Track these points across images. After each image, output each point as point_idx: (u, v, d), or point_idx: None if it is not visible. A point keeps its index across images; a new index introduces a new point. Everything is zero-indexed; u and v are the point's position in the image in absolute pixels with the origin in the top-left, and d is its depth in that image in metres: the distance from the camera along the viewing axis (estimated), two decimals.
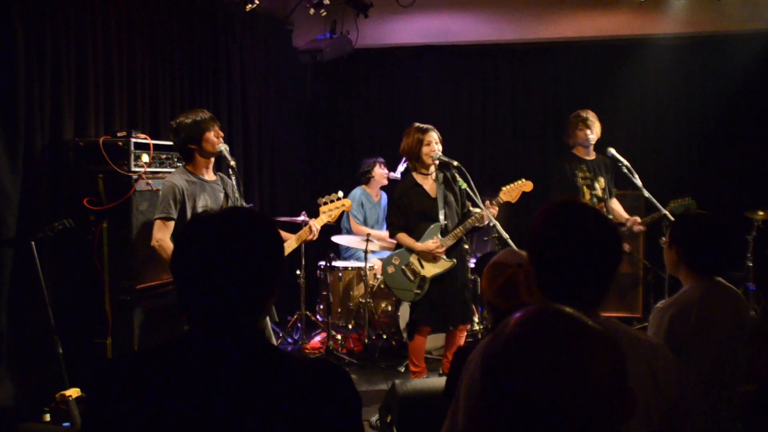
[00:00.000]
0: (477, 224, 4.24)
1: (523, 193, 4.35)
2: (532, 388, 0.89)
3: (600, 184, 4.91)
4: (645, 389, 1.47)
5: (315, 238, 4.08)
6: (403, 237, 4.29)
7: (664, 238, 2.63)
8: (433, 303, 4.25)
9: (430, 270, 4.25)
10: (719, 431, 2.26)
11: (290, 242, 3.98)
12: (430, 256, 4.25)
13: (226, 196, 3.79)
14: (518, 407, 0.90)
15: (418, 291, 4.24)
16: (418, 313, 4.29)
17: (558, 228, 1.51)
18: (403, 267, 4.29)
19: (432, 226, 4.27)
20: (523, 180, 4.33)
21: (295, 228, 4.65)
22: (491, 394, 0.94)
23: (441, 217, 4.28)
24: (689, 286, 2.45)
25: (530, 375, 0.90)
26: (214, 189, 3.74)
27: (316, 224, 4.06)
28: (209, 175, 3.76)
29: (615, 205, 5.02)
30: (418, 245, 4.25)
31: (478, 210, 4.23)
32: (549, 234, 1.52)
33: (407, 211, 4.28)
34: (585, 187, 4.88)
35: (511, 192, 4.29)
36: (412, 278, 4.26)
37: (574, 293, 1.50)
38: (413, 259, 4.28)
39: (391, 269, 4.34)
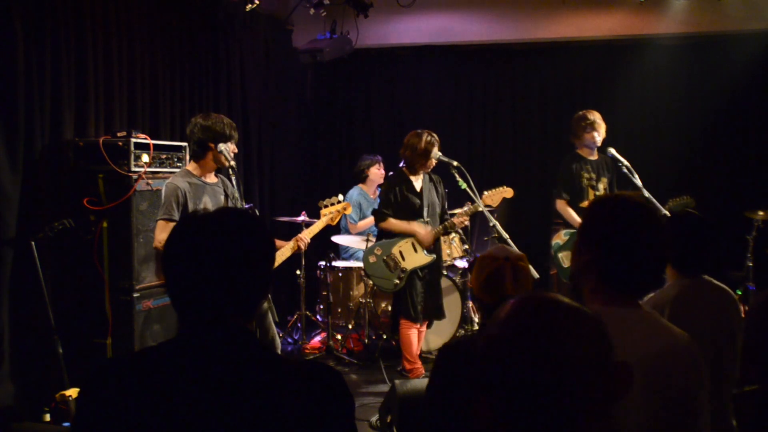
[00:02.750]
0: (450, 230, 4.46)
1: (519, 185, 4.48)
2: (523, 368, 0.93)
3: (603, 184, 4.94)
4: (689, 382, 1.53)
5: (303, 250, 4.08)
6: (395, 221, 4.43)
7: None
8: (412, 297, 4.42)
9: (411, 263, 4.42)
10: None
11: (284, 250, 3.95)
12: (413, 249, 4.39)
13: (227, 197, 3.80)
14: (514, 388, 0.93)
15: (398, 281, 4.40)
16: (397, 308, 4.49)
17: (621, 220, 1.58)
18: (385, 258, 4.43)
19: (416, 222, 4.42)
20: (505, 186, 4.47)
21: (294, 228, 4.66)
22: (487, 377, 0.97)
23: (425, 213, 4.44)
24: (669, 283, 2.44)
25: (520, 355, 0.93)
26: (215, 191, 3.75)
27: (306, 237, 4.02)
28: (210, 178, 3.78)
29: None
30: (416, 225, 4.39)
31: (477, 208, 4.30)
32: (613, 226, 1.58)
33: (396, 203, 4.43)
34: (589, 188, 4.90)
35: (492, 197, 4.44)
36: (392, 269, 4.41)
37: (639, 284, 1.59)
38: (395, 250, 4.43)
39: (372, 258, 4.48)
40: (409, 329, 4.48)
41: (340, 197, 4.34)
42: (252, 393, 1.19)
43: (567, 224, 4.83)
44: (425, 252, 4.43)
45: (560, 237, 4.92)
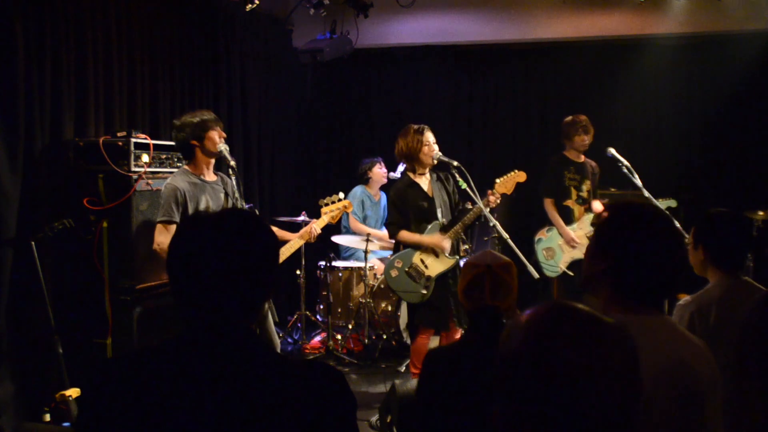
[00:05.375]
0: (474, 220, 4.21)
1: (519, 185, 4.33)
2: (555, 381, 0.90)
3: (586, 186, 5.15)
4: (710, 390, 1.51)
5: (313, 240, 4.08)
6: (406, 234, 4.24)
7: (687, 238, 2.60)
8: (434, 303, 4.22)
9: (434, 269, 4.22)
10: None
11: (293, 243, 3.98)
12: (434, 254, 4.23)
13: (227, 195, 3.80)
14: (541, 401, 0.90)
15: (425, 291, 4.18)
16: (419, 316, 4.25)
17: (638, 228, 1.55)
18: (407, 269, 4.22)
19: (431, 225, 4.25)
20: (516, 171, 4.29)
21: (295, 228, 4.65)
22: (509, 392, 0.94)
23: (439, 215, 4.27)
24: (712, 283, 2.44)
25: (553, 368, 0.90)
26: (215, 189, 3.75)
27: (317, 227, 4.06)
28: (210, 176, 3.77)
29: (597, 207, 5.24)
30: (426, 238, 4.20)
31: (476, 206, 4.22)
32: (634, 235, 1.55)
33: (406, 211, 4.27)
34: (572, 188, 5.14)
35: (506, 183, 4.26)
36: (417, 279, 4.21)
37: (655, 292, 1.56)
38: (416, 259, 4.23)
39: (394, 272, 4.26)
40: (428, 338, 4.32)
41: (341, 195, 4.29)
42: (254, 393, 1.19)
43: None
44: (447, 255, 4.23)
45: (543, 233, 5.19)
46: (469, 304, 2.28)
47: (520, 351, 0.94)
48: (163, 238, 3.55)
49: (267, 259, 1.32)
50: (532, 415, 0.91)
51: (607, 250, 1.59)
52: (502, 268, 2.27)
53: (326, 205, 4.20)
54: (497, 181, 4.28)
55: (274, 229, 4.07)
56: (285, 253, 3.96)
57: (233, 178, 3.75)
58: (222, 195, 3.78)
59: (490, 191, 4.17)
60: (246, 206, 4.08)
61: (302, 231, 4.05)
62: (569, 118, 5.26)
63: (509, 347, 0.96)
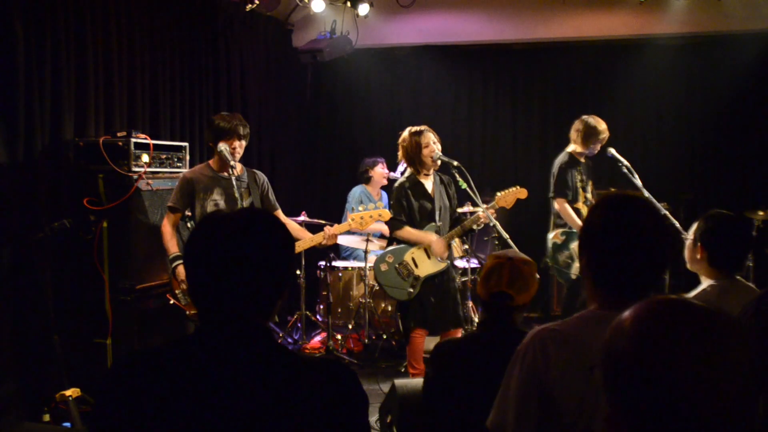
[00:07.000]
0: (474, 226, 4.23)
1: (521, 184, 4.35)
2: (675, 380, 0.87)
3: (590, 186, 5.05)
4: None
5: (331, 243, 4.04)
6: (409, 231, 4.22)
7: (688, 234, 2.60)
8: (425, 305, 4.22)
9: (424, 270, 4.23)
10: None
11: (304, 242, 3.99)
12: (426, 255, 4.23)
13: (250, 193, 3.91)
14: (665, 401, 0.87)
15: (411, 290, 4.19)
16: (410, 317, 4.26)
17: (615, 220, 1.51)
18: (397, 265, 4.24)
19: (428, 227, 4.26)
20: (518, 187, 4.32)
21: None
22: (627, 394, 0.91)
23: (437, 217, 4.27)
24: (709, 284, 2.45)
25: (672, 366, 0.87)
26: (230, 185, 3.77)
27: (334, 230, 4.00)
28: (231, 172, 3.79)
29: None
30: (427, 237, 4.19)
31: (479, 209, 4.22)
32: (606, 227, 1.51)
33: (409, 207, 4.27)
34: (581, 189, 4.98)
35: (506, 198, 4.28)
36: (405, 277, 4.22)
37: (628, 286, 1.50)
38: (407, 257, 4.24)
39: (384, 267, 4.27)
40: (422, 338, 4.32)
41: (381, 203, 4.23)
42: (268, 390, 1.21)
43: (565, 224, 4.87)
44: (438, 258, 4.24)
45: (557, 237, 4.91)
46: (484, 291, 2.31)
47: (634, 351, 0.90)
48: (165, 221, 3.88)
49: (281, 257, 1.33)
50: (649, 415, 0.89)
51: (583, 243, 1.57)
52: (523, 261, 2.34)
53: (356, 211, 4.10)
54: (498, 194, 4.29)
55: (297, 227, 4.12)
56: (297, 248, 3.96)
57: (233, 179, 3.75)
58: (242, 190, 3.87)
59: (486, 206, 4.18)
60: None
61: (316, 235, 4.00)
62: (591, 122, 4.88)
63: (617, 348, 0.92)
